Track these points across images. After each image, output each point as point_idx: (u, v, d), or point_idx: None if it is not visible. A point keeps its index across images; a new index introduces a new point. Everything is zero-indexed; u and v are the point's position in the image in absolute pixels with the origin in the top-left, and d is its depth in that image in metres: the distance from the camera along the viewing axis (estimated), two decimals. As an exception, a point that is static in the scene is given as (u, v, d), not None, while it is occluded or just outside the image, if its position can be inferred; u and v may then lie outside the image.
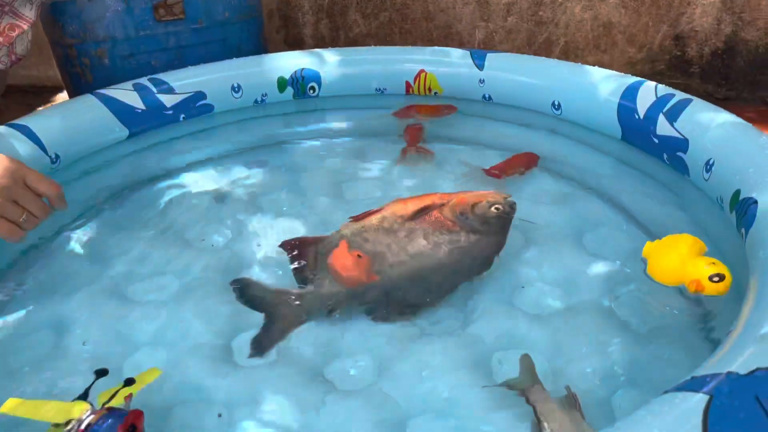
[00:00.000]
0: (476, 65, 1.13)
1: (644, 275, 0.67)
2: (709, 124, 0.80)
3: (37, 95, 1.75)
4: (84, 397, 0.51)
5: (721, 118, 0.80)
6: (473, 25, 1.61)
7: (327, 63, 1.19)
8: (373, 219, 0.72)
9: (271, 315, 0.64)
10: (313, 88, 1.19)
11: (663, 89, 0.91)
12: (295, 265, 0.70)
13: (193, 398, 0.56)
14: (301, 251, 0.71)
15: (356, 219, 0.74)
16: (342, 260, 0.67)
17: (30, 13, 1.02)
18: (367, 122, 1.16)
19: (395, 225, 0.71)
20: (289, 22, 1.75)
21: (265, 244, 0.77)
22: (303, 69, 1.18)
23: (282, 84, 1.18)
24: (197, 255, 0.76)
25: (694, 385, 0.41)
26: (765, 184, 0.65)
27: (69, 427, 0.46)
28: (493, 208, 0.71)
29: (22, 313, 0.68)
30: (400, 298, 0.66)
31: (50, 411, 0.48)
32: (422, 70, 1.17)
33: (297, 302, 0.65)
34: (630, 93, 0.94)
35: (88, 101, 1.02)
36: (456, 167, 0.94)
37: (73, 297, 0.69)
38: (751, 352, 0.43)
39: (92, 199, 0.91)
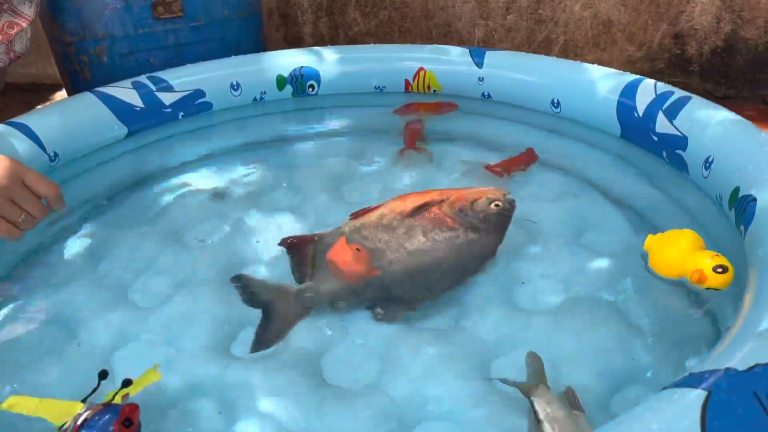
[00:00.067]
0: (475, 63, 1.13)
1: (644, 272, 0.67)
2: (708, 121, 0.80)
3: (36, 93, 1.75)
4: (84, 401, 0.51)
5: (720, 115, 0.80)
6: (473, 23, 1.61)
7: (326, 61, 1.19)
8: (373, 216, 0.72)
9: (271, 312, 0.64)
10: (312, 86, 1.19)
11: (662, 87, 0.91)
12: (295, 262, 0.70)
13: (193, 396, 0.56)
14: (301, 248, 0.71)
15: (355, 216, 0.74)
16: (342, 255, 0.67)
17: (29, 11, 1.02)
18: (367, 120, 1.16)
19: (394, 222, 0.71)
20: (289, 20, 1.75)
21: (264, 242, 0.77)
22: (302, 67, 1.18)
23: (281, 82, 1.18)
24: (196, 253, 0.76)
25: (692, 381, 0.41)
26: (764, 181, 0.65)
27: (65, 424, 0.46)
28: (492, 205, 0.71)
29: (20, 312, 0.68)
30: (399, 294, 0.66)
31: (52, 409, 0.48)
32: (421, 68, 1.17)
33: (297, 299, 0.65)
34: (629, 90, 0.94)
35: (87, 99, 1.02)
36: (455, 165, 0.94)
37: (71, 295, 0.69)
38: (749, 348, 0.43)
39: (91, 196, 0.91)
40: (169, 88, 1.09)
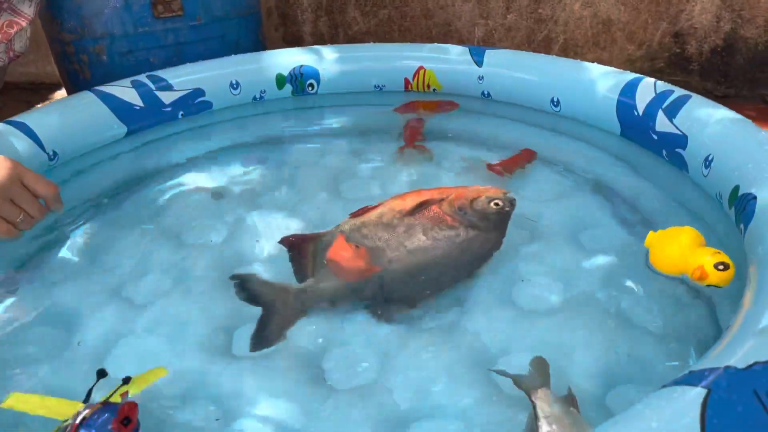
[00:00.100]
0: (475, 62, 1.13)
1: (644, 269, 0.67)
2: (708, 120, 0.80)
3: (35, 92, 1.75)
4: (86, 400, 0.51)
5: (720, 114, 0.80)
6: (472, 22, 1.61)
7: (326, 60, 1.18)
8: (372, 215, 0.72)
9: (271, 310, 0.64)
10: (311, 85, 1.19)
11: (662, 85, 0.91)
12: (295, 261, 0.70)
13: (193, 395, 0.56)
14: (301, 247, 0.71)
15: (355, 215, 0.74)
16: (341, 253, 0.67)
17: (29, 10, 1.02)
18: (366, 119, 1.16)
19: (394, 220, 0.71)
20: (288, 19, 1.75)
21: (264, 241, 0.77)
22: (302, 66, 1.18)
23: (281, 81, 1.18)
24: (196, 251, 0.76)
25: (692, 379, 0.41)
26: (764, 179, 0.65)
27: (65, 423, 0.46)
28: (492, 204, 0.71)
29: (20, 311, 0.68)
30: (399, 293, 0.66)
31: (52, 408, 0.48)
32: (421, 67, 1.17)
33: (297, 297, 0.65)
34: (629, 89, 0.94)
35: (87, 98, 1.02)
36: (454, 163, 0.94)
37: (71, 294, 0.69)
38: (749, 346, 0.43)
39: (90, 195, 0.91)
40: (168, 87, 1.09)
